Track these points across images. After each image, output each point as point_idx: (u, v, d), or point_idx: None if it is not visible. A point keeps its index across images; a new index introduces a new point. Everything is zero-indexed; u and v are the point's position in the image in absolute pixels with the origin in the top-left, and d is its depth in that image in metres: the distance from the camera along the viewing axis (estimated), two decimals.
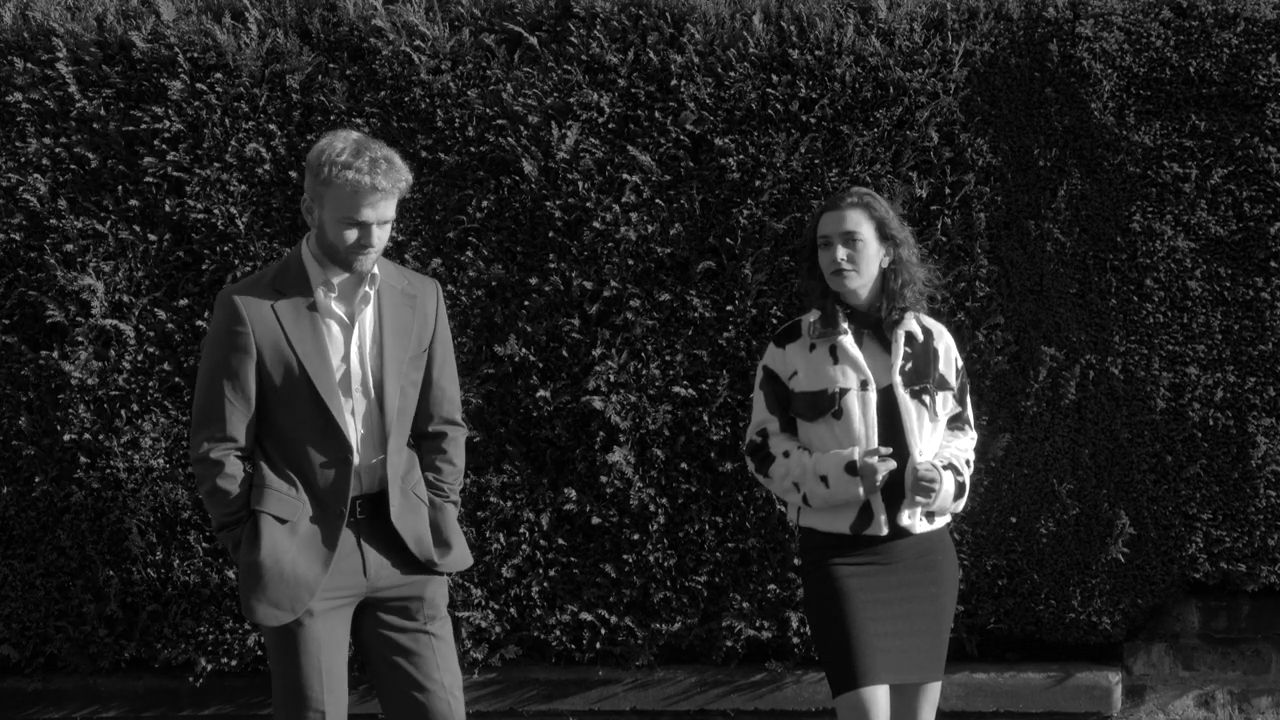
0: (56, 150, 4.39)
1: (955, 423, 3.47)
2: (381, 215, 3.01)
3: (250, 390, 3.04)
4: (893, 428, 3.30)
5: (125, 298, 4.39)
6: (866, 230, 3.34)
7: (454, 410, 3.29)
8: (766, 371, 3.43)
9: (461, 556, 3.25)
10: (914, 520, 3.30)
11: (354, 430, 3.06)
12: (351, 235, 3.00)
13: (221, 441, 3.03)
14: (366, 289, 3.10)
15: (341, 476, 3.03)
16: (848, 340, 3.34)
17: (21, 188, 4.37)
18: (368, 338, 3.10)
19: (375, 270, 3.11)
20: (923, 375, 3.36)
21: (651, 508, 4.42)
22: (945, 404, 3.40)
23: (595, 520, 4.42)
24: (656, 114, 4.42)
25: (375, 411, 3.10)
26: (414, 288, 3.21)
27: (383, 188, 2.96)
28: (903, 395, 3.31)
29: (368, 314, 3.11)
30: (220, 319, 3.06)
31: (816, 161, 4.44)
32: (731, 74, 4.42)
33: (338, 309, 3.09)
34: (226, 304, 3.05)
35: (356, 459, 3.05)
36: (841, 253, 3.32)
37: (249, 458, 3.09)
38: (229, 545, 3.12)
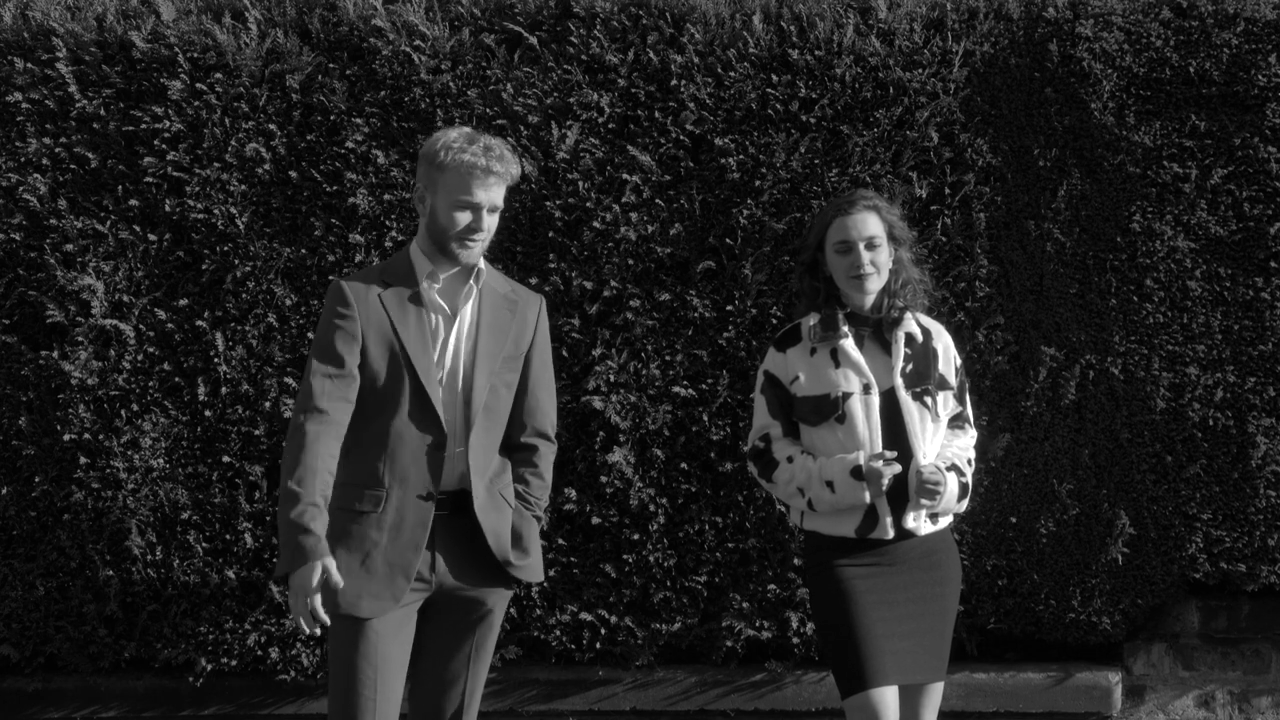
0: (56, 150, 4.39)
1: (956, 421, 3.46)
2: (492, 200, 3.12)
3: (346, 371, 3.09)
4: (896, 430, 3.29)
5: (125, 298, 4.39)
6: (883, 234, 3.35)
7: (546, 424, 3.32)
8: (767, 376, 3.42)
9: (536, 567, 3.26)
10: (919, 522, 3.30)
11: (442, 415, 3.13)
12: (464, 219, 3.11)
13: (326, 418, 3.04)
14: (472, 284, 3.19)
15: (435, 461, 3.09)
16: (849, 344, 3.33)
17: (21, 188, 4.37)
18: (465, 331, 3.18)
19: (482, 267, 3.20)
20: (924, 376, 3.35)
21: (651, 508, 4.42)
22: (946, 404, 3.40)
23: (595, 520, 4.42)
24: (656, 114, 4.42)
25: (461, 403, 3.15)
26: (517, 295, 3.29)
27: (497, 170, 3.10)
28: (905, 397, 3.31)
29: (468, 310, 3.20)
30: (329, 304, 3.17)
31: (816, 161, 4.44)
32: (731, 74, 4.42)
33: (441, 302, 3.17)
34: (335, 290, 3.16)
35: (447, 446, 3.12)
36: (866, 257, 3.32)
37: (340, 440, 3.09)
38: (280, 500, 3.04)
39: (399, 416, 3.09)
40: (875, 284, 3.36)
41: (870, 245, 3.33)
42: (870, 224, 3.34)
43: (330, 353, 3.09)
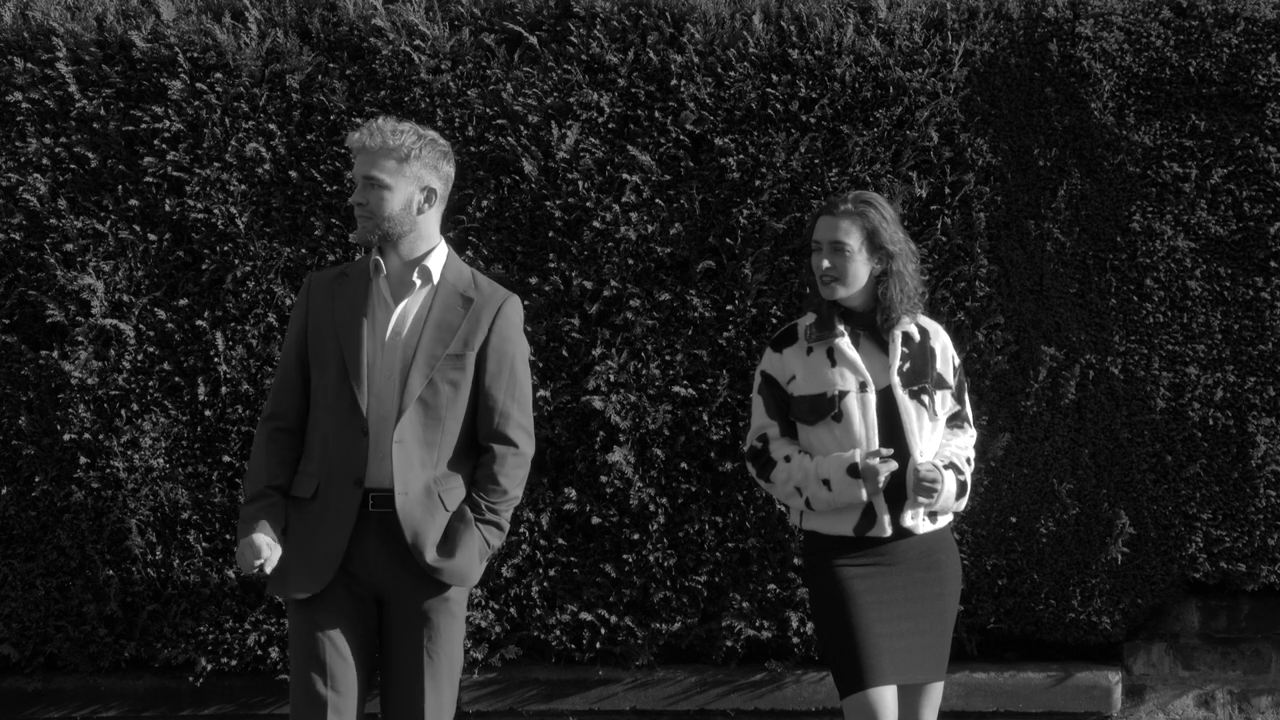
0: (56, 150, 4.39)
1: (954, 421, 3.47)
2: (365, 172, 3.22)
3: (296, 364, 3.27)
4: (893, 428, 3.30)
5: (125, 297, 4.39)
6: (855, 240, 3.31)
7: (506, 426, 3.24)
8: (764, 376, 3.43)
9: (462, 571, 3.18)
10: (917, 520, 3.30)
11: (370, 405, 3.17)
12: (354, 196, 3.26)
13: (272, 417, 3.28)
14: (414, 279, 3.23)
15: (360, 446, 3.15)
16: (844, 342, 3.34)
17: (21, 188, 4.37)
18: (407, 324, 3.21)
19: (430, 266, 3.25)
20: (921, 375, 3.36)
21: (651, 508, 4.43)
22: (944, 403, 3.40)
23: (595, 520, 4.42)
24: (656, 114, 4.42)
25: (397, 396, 3.17)
26: (478, 293, 3.28)
27: (353, 142, 3.25)
28: (902, 396, 3.31)
29: (415, 303, 3.24)
30: (297, 298, 3.38)
31: (816, 161, 4.44)
32: (731, 74, 4.42)
33: (384, 290, 3.24)
34: (303, 282, 3.36)
35: (371, 433, 3.15)
36: (825, 263, 3.32)
37: (299, 433, 3.27)
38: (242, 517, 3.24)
39: (332, 403, 3.19)
40: (838, 290, 3.32)
41: (836, 249, 3.31)
42: (842, 228, 3.31)
43: (286, 348, 3.31)
